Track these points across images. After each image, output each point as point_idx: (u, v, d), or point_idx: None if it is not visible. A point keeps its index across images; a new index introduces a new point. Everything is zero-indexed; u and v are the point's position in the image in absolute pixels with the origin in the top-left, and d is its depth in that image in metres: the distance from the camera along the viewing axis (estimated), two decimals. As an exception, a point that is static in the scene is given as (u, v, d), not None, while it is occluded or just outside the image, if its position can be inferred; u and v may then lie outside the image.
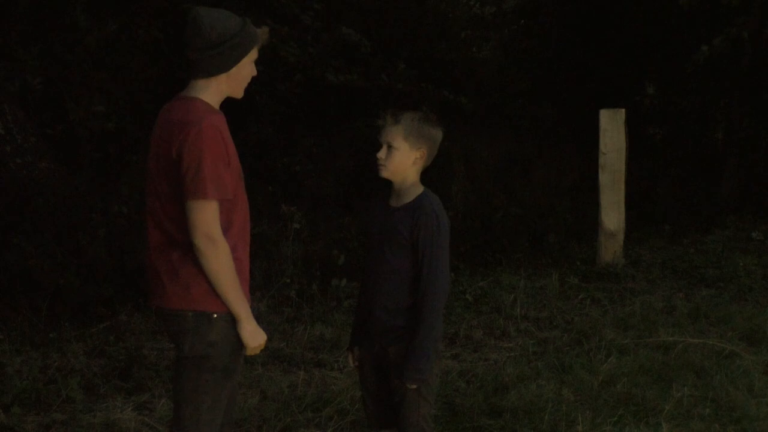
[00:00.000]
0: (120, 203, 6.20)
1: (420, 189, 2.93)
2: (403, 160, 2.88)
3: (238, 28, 2.66)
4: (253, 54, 2.73)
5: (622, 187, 7.45)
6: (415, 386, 2.86)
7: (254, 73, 2.77)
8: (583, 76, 11.20)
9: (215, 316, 2.60)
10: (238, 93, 2.77)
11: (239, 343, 2.67)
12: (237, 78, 2.71)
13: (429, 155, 2.93)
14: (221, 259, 2.55)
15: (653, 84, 11.96)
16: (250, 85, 2.82)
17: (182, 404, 2.69)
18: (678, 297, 6.56)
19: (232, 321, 2.63)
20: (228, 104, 2.77)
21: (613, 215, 7.42)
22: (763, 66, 10.34)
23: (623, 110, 7.45)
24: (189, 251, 2.58)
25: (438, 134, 2.94)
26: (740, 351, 5.07)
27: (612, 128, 7.37)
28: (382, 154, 2.89)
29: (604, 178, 7.43)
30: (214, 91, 2.69)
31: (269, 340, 2.84)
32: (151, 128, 2.75)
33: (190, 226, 2.54)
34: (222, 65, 2.65)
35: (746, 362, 4.88)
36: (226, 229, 2.59)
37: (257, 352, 2.72)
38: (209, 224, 2.53)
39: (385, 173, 2.91)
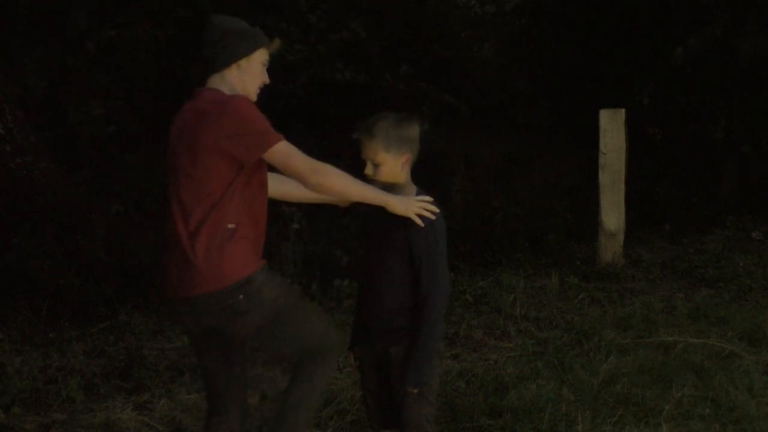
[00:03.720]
0: (119, 203, 6.20)
1: (413, 189, 2.92)
2: (391, 170, 2.87)
3: (246, 25, 2.83)
4: (264, 55, 2.85)
5: (622, 187, 7.45)
6: (416, 390, 2.85)
7: (266, 79, 2.88)
8: (583, 77, 11.19)
9: (257, 285, 2.70)
10: (252, 93, 2.85)
11: (284, 283, 2.85)
12: (249, 73, 2.81)
13: (414, 154, 2.91)
14: (338, 178, 2.74)
15: (651, 83, 11.95)
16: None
17: (294, 351, 2.90)
18: (678, 297, 6.56)
19: (267, 274, 2.76)
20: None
21: (613, 215, 7.42)
22: (762, 66, 10.34)
23: (623, 110, 7.45)
24: (217, 231, 2.66)
25: (415, 131, 2.90)
26: (740, 351, 5.07)
27: (612, 128, 7.37)
28: (369, 171, 2.89)
29: (604, 178, 7.43)
30: (229, 85, 2.79)
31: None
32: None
33: (292, 172, 2.71)
34: (231, 55, 2.77)
35: (746, 362, 4.88)
36: (229, 201, 2.67)
37: (421, 210, 2.80)
38: (304, 159, 2.71)
39: (376, 185, 2.90)
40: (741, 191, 10.68)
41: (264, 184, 2.82)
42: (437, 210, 2.82)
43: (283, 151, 2.70)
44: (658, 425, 4.00)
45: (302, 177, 2.72)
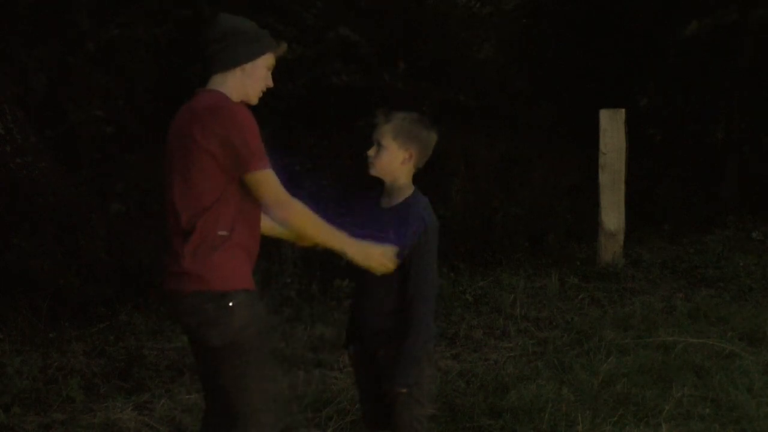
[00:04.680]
0: (119, 203, 6.20)
1: (410, 190, 2.91)
2: (391, 160, 2.87)
3: (252, 27, 2.78)
4: (270, 59, 2.81)
5: (622, 187, 7.45)
6: (404, 390, 2.84)
7: (270, 83, 2.84)
8: (583, 76, 11.19)
9: (231, 304, 2.63)
10: (253, 97, 2.81)
11: (263, 323, 2.73)
12: (252, 77, 2.77)
13: (419, 157, 2.90)
14: (303, 216, 2.69)
15: (651, 83, 11.95)
16: None
17: (230, 394, 2.70)
18: (678, 297, 6.57)
19: (249, 303, 2.67)
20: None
21: (613, 215, 7.42)
22: (762, 65, 10.35)
23: (623, 110, 7.45)
24: (207, 236, 2.62)
25: (430, 137, 2.91)
26: (740, 351, 5.07)
27: (612, 128, 7.38)
28: (371, 152, 2.90)
29: (604, 178, 7.44)
30: (231, 87, 2.74)
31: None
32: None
33: (261, 200, 2.67)
34: (234, 58, 2.73)
35: (746, 362, 4.88)
36: (222, 207, 2.63)
37: (386, 268, 2.76)
38: (278, 192, 2.66)
39: (373, 171, 2.91)
40: (741, 191, 10.69)
41: (254, 203, 2.74)
42: (398, 262, 2.77)
43: (260, 180, 2.64)
44: (658, 425, 4.00)
45: (269, 207, 2.68)
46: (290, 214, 2.68)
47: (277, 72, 2.88)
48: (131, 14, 6.84)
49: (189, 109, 2.71)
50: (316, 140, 8.27)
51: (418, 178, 2.97)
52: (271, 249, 6.26)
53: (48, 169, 6.08)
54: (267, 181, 2.65)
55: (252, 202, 2.72)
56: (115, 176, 6.57)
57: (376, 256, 2.75)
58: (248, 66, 2.75)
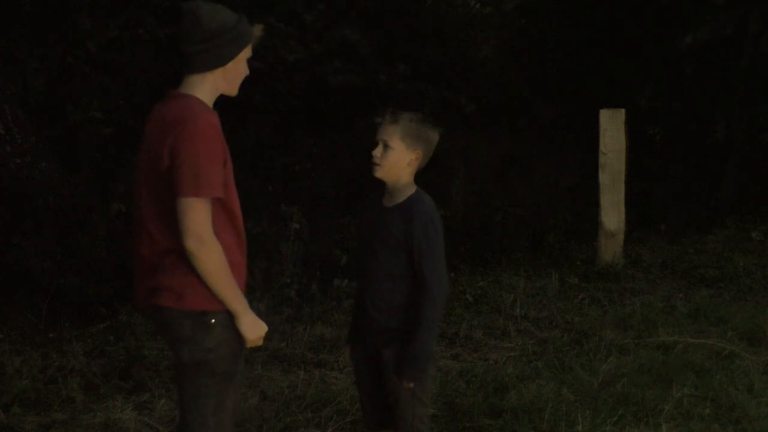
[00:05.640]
0: (119, 203, 6.20)
1: (413, 189, 2.91)
2: (398, 161, 2.86)
3: (235, 22, 2.63)
4: (248, 51, 2.70)
5: (622, 187, 7.46)
6: (412, 384, 2.84)
7: (247, 71, 2.73)
8: (583, 76, 11.19)
9: (213, 321, 2.55)
10: (233, 90, 2.72)
11: (238, 347, 2.64)
12: (233, 74, 2.67)
13: (424, 157, 2.91)
14: (214, 260, 2.49)
15: (651, 83, 11.95)
16: (248, 83, 2.79)
17: (186, 410, 2.66)
18: (678, 297, 6.57)
19: (229, 324, 2.58)
20: (227, 103, 2.75)
21: (613, 215, 7.42)
22: (763, 66, 10.34)
23: (623, 110, 7.46)
24: (180, 256, 2.51)
25: (435, 137, 2.92)
26: (740, 351, 5.07)
27: (612, 128, 7.38)
28: (377, 152, 2.87)
29: (604, 178, 7.44)
30: (210, 87, 2.63)
31: (269, 340, 2.84)
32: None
33: (180, 225, 2.46)
34: (219, 59, 2.61)
35: (746, 362, 4.88)
36: (222, 230, 2.54)
37: (258, 343, 2.68)
38: (200, 224, 2.46)
39: (379, 172, 2.88)
40: (741, 191, 10.69)
41: (234, 207, 2.63)
42: (260, 344, 2.73)
43: (188, 206, 2.45)
44: (658, 425, 4.00)
45: (185, 235, 2.46)
46: (205, 252, 2.46)
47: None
48: (132, 14, 6.84)
49: (160, 119, 2.57)
50: (316, 140, 8.28)
51: (417, 177, 2.97)
52: (271, 249, 6.27)
53: (48, 169, 6.08)
54: (196, 210, 2.45)
55: (232, 213, 2.62)
56: (115, 176, 6.57)
57: (260, 333, 2.64)
58: (230, 64, 2.63)
